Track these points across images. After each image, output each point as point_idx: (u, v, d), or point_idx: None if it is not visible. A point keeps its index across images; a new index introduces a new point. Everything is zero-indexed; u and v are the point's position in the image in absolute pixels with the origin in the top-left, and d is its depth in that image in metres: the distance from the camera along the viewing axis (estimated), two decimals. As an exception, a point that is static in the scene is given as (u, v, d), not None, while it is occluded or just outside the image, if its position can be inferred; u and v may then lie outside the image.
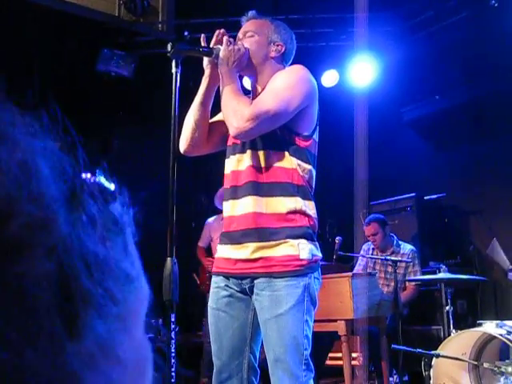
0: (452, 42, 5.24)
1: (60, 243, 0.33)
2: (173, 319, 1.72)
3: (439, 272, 3.74)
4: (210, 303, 2.12)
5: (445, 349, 3.23)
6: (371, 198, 5.65)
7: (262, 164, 2.05)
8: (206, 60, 2.16)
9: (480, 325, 3.33)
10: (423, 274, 4.60)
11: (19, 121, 0.36)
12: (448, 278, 3.68)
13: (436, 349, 3.24)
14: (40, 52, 4.94)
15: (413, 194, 5.52)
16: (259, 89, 2.16)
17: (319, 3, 5.22)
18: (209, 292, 2.18)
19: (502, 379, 3.15)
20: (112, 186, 0.42)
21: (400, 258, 4.38)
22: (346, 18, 5.14)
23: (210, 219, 5.41)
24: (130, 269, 0.38)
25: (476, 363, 3.30)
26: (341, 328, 3.55)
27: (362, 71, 5.51)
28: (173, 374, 1.70)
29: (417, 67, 5.54)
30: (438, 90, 5.62)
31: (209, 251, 5.36)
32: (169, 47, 1.94)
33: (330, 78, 5.65)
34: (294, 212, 2.02)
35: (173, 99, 1.89)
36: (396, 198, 5.64)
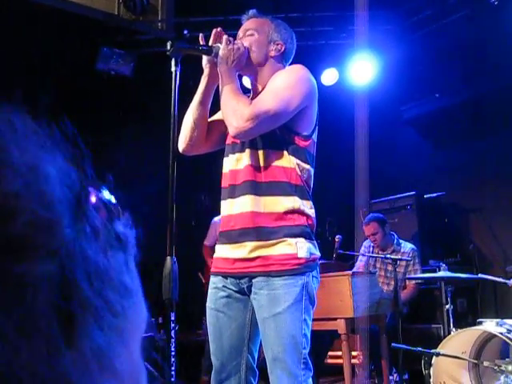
0: (452, 41, 5.23)
1: (63, 247, 0.34)
2: (172, 318, 1.72)
3: (439, 270, 3.74)
4: (209, 303, 2.12)
5: (445, 347, 3.24)
6: (371, 196, 5.65)
7: (261, 163, 2.04)
8: (205, 59, 2.16)
9: (480, 323, 3.33)
10: (423, 272, 4.60)
11: (27, 125, 0.36)
12: (448, 277, 3.68)
13: (436, 347, 3.25)
14: (39, 51, 4.93)
15: (413, 193, 5.52)
16: (259, 88, 2.16)
17: (319, 1, 5.21)
18: None
19: (502, 378, 3.16)
20: (113, 199, 0.42)
21: (400, 257, 4.38)
22: (346, 17, 5.13)
23: (216, 218, 5.38)
24: (129, 283, 0.38)
25: (476, 362, 3.30)
26: (341, 326, 3.56)
27: (361, 70, 5.50)
28: (173, 373, 1.70)
29: (416, 65, 5.53)
30: (437, 88, 5.62)
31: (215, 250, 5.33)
32: (168, 46, 1.94)
33: (329, 77, 5.65)
34: (292, 211, 2.01)
35: (172, 98, 1.89)
36: (396, 196, 5.64)
